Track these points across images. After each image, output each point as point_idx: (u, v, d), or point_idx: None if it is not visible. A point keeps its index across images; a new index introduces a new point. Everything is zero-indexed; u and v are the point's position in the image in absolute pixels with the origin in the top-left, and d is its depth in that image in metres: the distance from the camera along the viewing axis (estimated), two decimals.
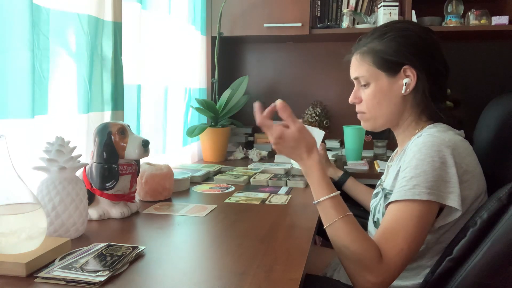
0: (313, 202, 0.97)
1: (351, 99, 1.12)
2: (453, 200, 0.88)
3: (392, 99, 1.04)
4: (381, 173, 1.26)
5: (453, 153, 0.90)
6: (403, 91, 1.02)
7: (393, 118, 1.07)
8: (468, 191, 0.91)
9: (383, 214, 1.01)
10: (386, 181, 1.08)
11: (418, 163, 0.90)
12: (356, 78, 1.10)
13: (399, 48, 1.02)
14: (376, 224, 1.07)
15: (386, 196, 1.02)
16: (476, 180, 0.93)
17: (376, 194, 1.12)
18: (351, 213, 0.93)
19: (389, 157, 1.29)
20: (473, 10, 2.05)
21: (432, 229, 0.92)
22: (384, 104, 1.05)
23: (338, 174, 1.52)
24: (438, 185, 0.88)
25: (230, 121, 2.18)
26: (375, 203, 1.09)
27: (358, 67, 1.08)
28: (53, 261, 0.79)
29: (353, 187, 1.49)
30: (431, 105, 1.02)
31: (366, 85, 1.07)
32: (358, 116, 1.13)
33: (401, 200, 0.89)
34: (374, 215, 1.08)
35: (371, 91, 1.06)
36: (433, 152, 0.90)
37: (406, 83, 1.02)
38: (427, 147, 0.91)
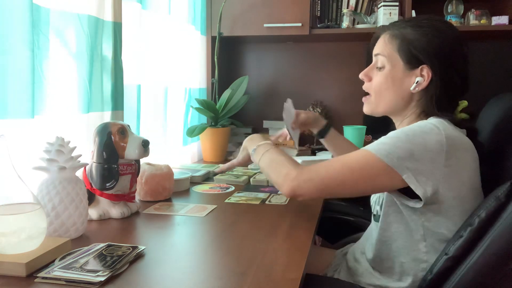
0: (251, 151, 1.17)
1: (361, 74, 1.12)
2: (408, 176, 0.89)
3: (400, 91, 1.05)
4: None
5: (448, 142, 0.90)
6: (411, 88, 1.03)
7: (395, 109, 1.07)
8: (457, 183, 0.91)
9: (381, 207, 1.02)
10: None
11: (398, 131, 0.94)
12: (376, 55, 1.09)
13: (426, 46, 1.01)
14: (375, 217, 1.07)
15: None
16: (467, 174, 0.94)
17: None
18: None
19: None
20: (473, 10, 2.05)
21: (414, 209, 0.95)
22: (391, 92, 1.06)
23: (321, 123, 1.47)
24: (403, 156, 0.90)
25: (230, 121, 2.18)
26: (374, 197, 1.11)
27: (383, 46, 1.08)
28: (53, 261, 0.79)
29: (334, 137, 1.46)
30: (434, 111, 1.01)
31: (381, 68, 1.07)
32: (363, 98, 1.13)
33: (363, 149, 0.96)
34: (373, 208, 1.10)
35: (384, 75, 1.06)
36: (420, 132, 0.92)
37: (418, 81, 1.02)
38: (415, 125, 0.95)
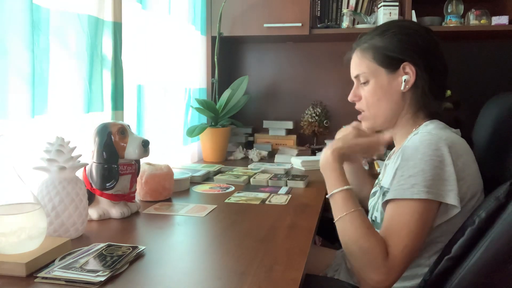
0: (327, 196, 1.01)
1: (350, 97, 1.12)
2: (452, 198, 0.88)
3: (392, 96, 1.05)
4: None
5: (450, 151, 0.90)
6: (402, 88, 1.03)
7: (393, 116, 1.07)
8: (464, 189, 0.91)
9: (381, 213, 1.01)
10: (384, 179, 1.08)
11: (416, 162, 0.91)
12: (356, 77, 1.10)
13: (400, 45, 1.03)
14: (374, 222, 1.07)
15: (384, 194, 1.02)
16: (471, 178, 0.93)
17: (374, 193, 1.12)
18: (361, 208, 0.94)
19: None
20: (473, 10, 2.05)
21: (431, 228, 0.93)
22: (384, 101, 1.06)
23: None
24: (436, 184, 0.88)
25: (230, 121, 2.18)
26: (373, 202, 1.10)
27: (359, 63, 1.09)
28: (53, 261, 0.79)
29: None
30: (429, 102, 1.03)
31: (366, 83, 1.08)
32: (359, 116, 1.13)
33: (400, 198, 0.90)
34: (372, 214, 1.09)
35: (371, 88, 1.07)
36: (431, 150, 0.90)
37: (405, 79, 1.02)
38: (424, 146, 0.92)
